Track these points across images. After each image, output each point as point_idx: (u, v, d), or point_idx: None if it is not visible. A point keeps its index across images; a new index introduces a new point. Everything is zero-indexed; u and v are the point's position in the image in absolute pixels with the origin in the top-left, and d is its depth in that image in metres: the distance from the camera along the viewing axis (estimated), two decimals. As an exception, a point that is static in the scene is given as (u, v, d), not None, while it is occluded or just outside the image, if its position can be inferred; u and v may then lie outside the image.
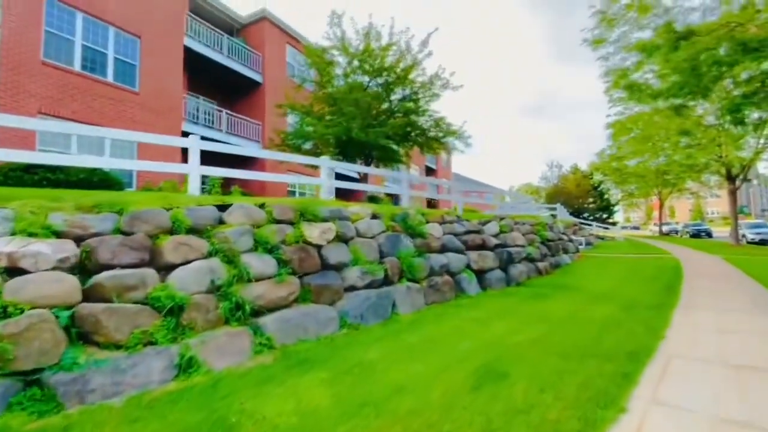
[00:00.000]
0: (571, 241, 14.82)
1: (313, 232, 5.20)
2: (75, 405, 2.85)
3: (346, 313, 4.96)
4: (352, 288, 5.28)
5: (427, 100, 11.66)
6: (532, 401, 2.87)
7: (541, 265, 10.07)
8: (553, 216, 24.17)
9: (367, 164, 11.26)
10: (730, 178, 20.05)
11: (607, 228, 35.39)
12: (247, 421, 2.67)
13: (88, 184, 7.15)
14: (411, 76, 10.57)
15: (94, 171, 7.51)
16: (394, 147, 11.34)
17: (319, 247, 5.23)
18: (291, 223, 5.16)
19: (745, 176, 20.27)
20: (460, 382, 3.25)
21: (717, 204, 63.67)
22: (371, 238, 6.11)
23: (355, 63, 10.35)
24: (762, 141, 18.09)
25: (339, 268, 5.32)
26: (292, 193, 17.13)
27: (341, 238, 5.61)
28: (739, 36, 6.99)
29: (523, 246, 9.87)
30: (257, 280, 4.33)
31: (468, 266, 7.64)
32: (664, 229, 38.00)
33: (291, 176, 6.93)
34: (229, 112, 14.55)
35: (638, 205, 54.26)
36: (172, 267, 3.90)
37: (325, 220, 5.57)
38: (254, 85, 15.37)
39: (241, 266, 4.28)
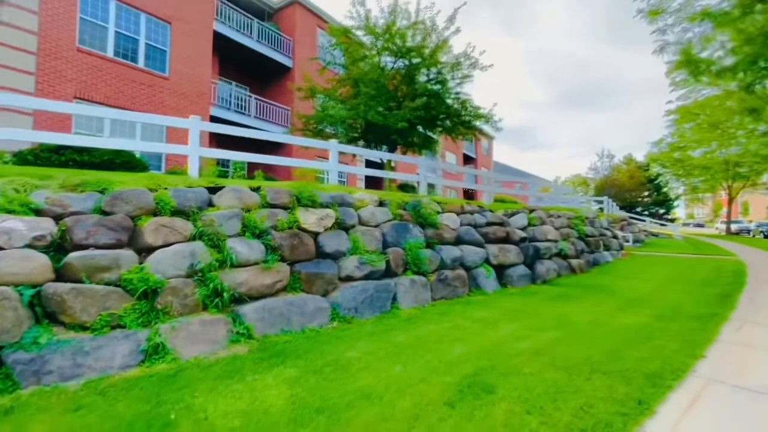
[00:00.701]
0: (615, 237, 13.54)
1: (309, 218, 4.93)
2: (31, 385, 2.79)
3: (338, 305, 4.67)
4: (348, 278, 4.98)
5: (458, 82, 10.94)
6: (513, 425, 2.41)
7: (575, 262, 9.19)
8: (601, 210, 22.39)
9: (391, 151, 10.82)
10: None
11: (663, 225, 32.36)
12: (186, 420, 2.45)
13: (110, 166, 7.38)
14: (438, 56, 9.91)
15: (119, 153, 7.75)
16: (420, 131, 10.79)
17: (315, 234, 4.97)
18: (286, 208, 4.92)
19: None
20: (438, 393, 2.85)
21: (801, 201, 56.06)
22: (375, 226, 5.74)
23: (380, 43, 9.86)
24: None
25: (336, 257, 5.02)
26: (322, 180, 17.12)
27: (341, 226, 5.30)
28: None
29: (554, 241, 9.05)
30: (242, 266, 4.14)
31: (487, 261, 7.07)
32: (733, 227, 34.04)
33: (302, 161, 6.71)
34: (257, 97, 14.67)
35: (703, 200, 49.24)
36: (152, 249, 3.80)
37: (325, 205, 5.28)
38: (284, 69, 15.35)
39: (226, 251, 4.11)
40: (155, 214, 4.02)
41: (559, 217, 10.57)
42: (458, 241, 6.87)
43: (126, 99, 9.97)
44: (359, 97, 9.36)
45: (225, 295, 3.86)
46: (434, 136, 11.83)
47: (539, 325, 4.68)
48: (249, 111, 14.19)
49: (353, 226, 5.47)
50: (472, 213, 7.60)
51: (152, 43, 10.79)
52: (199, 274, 3.87)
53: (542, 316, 5.12)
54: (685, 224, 60.65)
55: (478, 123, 10.93)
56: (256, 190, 4.88)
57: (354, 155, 13.21)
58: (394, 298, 5.25)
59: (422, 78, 10.16)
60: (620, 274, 9.22)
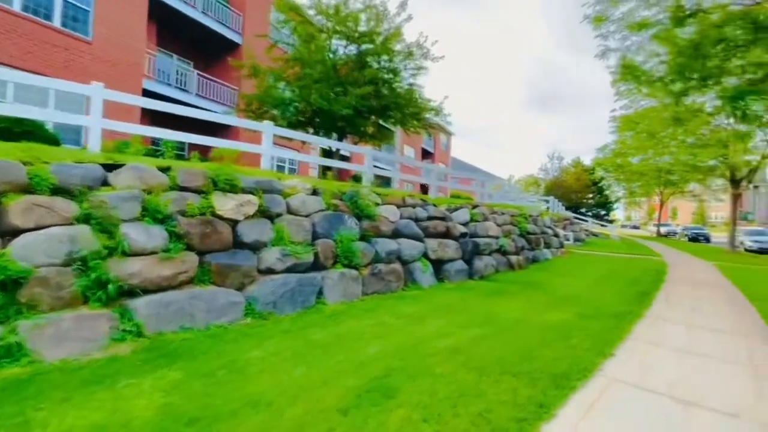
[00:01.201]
0: (557, 235, 14.10)
1: (226, 204, 4.49)
2: None
3: (255, 300, 4.30)
4: (269, 271, 4.62)
5: (413, 73, 10.74)
6: (405, 435, 2.21)
7: (514, 258, 9.38)
8: (547, 209, 23.38)
9: (340, 139, 10.44)
10: (734, 181, 19.11)
11: (603, 225, 34.59)
12: (14, 439, 2.03)
13: (6, 134, 6.42)
14: (391, 44, 9.62)
15: (20, 121, 6.76)
16: (372, 121, 10.49)
17: (233, 222, 4.54)
18: (200, 191, 4.44)
19: (750, 180, 19.32)
20: (336, 398, 2.60)
21: (720, 209, 62.24)
22: (305, 216, 5.39)
23: (330, 24, 9.39)
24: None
25: (256, 247, 4.63)
26: (281, 168, 16.37)
27: (265, 214, 4.90)
28: (754, 13, 6.05)
29: (495, 237, 9.16)
30: (136, 254, 3.65)
31: (425, 255, 6.96)
32: (663, 230, 37.14)
33: (234, 143, 6.19)
34: (201, 74, 13.64)
35: (640, 204, 53.30)
36: (19, 232, 3.22)
37: (249, 191, 4.85)
38: (233, 46, 14.35)
39: (118, 237, 3.60)
40: (29, 192, 3.42)
41: (503, 214, 10.75)
42: (396, 234, 6.69)
43: (37, 62, 8.76)
44: (303, 78, 8.86)
45: (110, 286, 3.37)
46: (391, 128, 11.58)
47: (466, 322, 4.60)
48: (190, 88, 13.14)
49: (280, 215, 5.08)
50: (414, 206, 7.45)
51: (71, 0, 9.54)
52: (80, 263, 3.35)
53: (471, 312, 5.06)
54: (623, 226, 65.32)
55: (428, 116, 10.81)
56: (166, 170, 4.36)
57: (304, 142, 12.62)
58: (320, 293, 4.96)
59: (374, 65, 9.83)
60: (557, 272, 9.53)
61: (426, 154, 33.56)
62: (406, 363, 3.25)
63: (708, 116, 18.36)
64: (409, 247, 6.59)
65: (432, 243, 7.07)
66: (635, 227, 61.20)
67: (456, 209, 8.66)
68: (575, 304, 5.90)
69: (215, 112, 11.12)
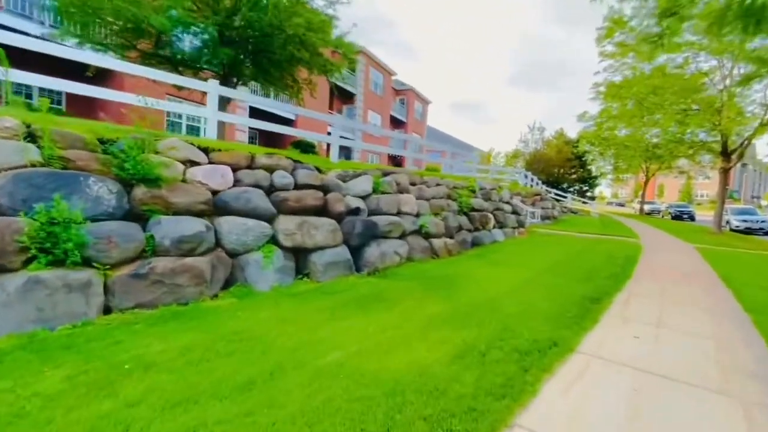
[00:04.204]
0: (516, 213, 11.90)
1: None
2: None
3: None
4: None
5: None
6: None
7: (440, 243, 7.14)
8: (517, 182, 21.16)
9: (225, 84, 7.82)
10: (725, 153, 16.98)
11: (585, 202, 32.67)
12: None
13: None
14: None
15: None
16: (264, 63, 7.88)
17: None
18: None
19: (742, 153, 17.21)
20: None
21: (707, 186, 61.19)
22: (-26, 175, 2.99)
23: None
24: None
25: None
26: (177, 125, 13.68)
27: None
28: None
29: (413, 215, 6.88)
30: None
31: (274, 241, 4.66)
32: (647, 208, 35.36)
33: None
34: None
35: (626, 180, 51.63)
36: None
37: None
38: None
39: None
40: None
41: (438, 185, 8.45)
42: (222, 210, 4.36)
43: None
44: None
45: None
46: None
47: (211, 388, 2.35)
48: (35, 14, 10.18)
49: None
50: (270, 169, 5.06)
51: None
52: None
53: (261, 353, 2.82)
54: (609, 203, 63.98)
55: (328, 53, 8.18)
56: None
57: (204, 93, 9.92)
58: (-32, 318, 2.64)
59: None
60: (496, 260, 7.35)
61: (398, 123, 30.81)
62: None
63: (703, 74, 16.05)
64: (238, 229, 4.27)
65: (288, 223, 4.74)
66: (621, 205, 59.74)
67: (356, 175, 6.30)
68: (475, 322, 3.70)
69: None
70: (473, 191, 9.62)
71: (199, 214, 4.11)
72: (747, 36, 4.70)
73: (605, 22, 16.21)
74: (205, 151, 4.63)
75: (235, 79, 8.09)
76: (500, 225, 10.36)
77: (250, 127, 15.51)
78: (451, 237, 7.71)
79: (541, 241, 10.51)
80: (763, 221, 20.57)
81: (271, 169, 5.07)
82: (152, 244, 3.60)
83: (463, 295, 4.74)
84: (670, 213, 31.06)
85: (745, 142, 16.80)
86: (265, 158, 5.09)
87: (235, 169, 4.74)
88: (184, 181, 4.24)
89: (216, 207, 4.37)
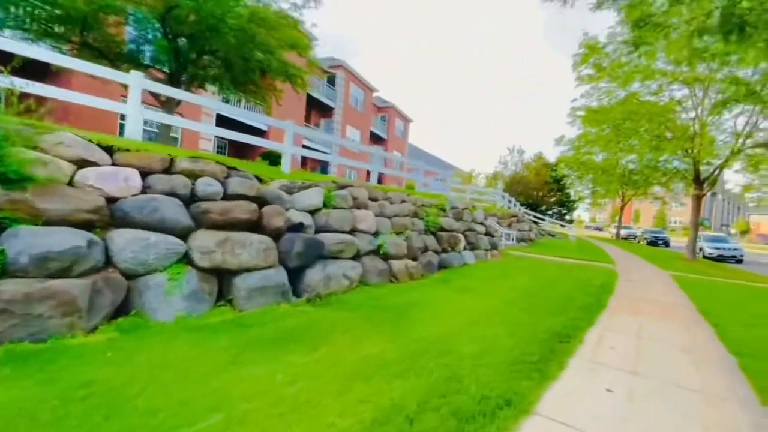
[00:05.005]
0: (490, 234, 11.37)
1: None
2: None
3: None
4: None
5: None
6: None
7: (400, 264, 6.46)
8: (495, 203, 20.89)
9: (173, 80, 7.09)
10: (698, 180, 17.11)
11: (563, 225, 32.72)
12: None
13: None
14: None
15: None
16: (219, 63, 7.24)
17: None
18: None
19: (714, 180, 17.40)
20: None
21: (681, 213, 62.99)
22: None
23: None
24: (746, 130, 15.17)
25: None
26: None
27: None
28: None
29: (370, 233, 6.21)
30: None
31: (188, 259, 3.88)
32: (623, 233, 35.73)
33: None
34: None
35: (603, 205, 52.53)
36: None
37: None
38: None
39: None
40: None
41: (403, 201, 7.83)
42: (119, 221, 3.58)
43: None
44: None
45: None
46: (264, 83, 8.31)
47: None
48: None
49: None
50: (194, 175, 4.33)
51: None
52: None
53: (116, 406, 2.03)
54: (587, 227, 65.03)
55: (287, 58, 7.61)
56: None
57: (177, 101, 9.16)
58: None
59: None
60: (462, 285, 6.69)
61: (377, 140, 30.48)
62: None
63: (676, 103, 16.27)
64: (135, 245, 3.48)
65: (206, 239, 3.98)
66: (599, 229, 60.69)
67: (304, 187, 5.60)
68: (417, 368, 3.00)
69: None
70: (443, 209, 9.05)
71: (85, 225, 3.32)
72: (729, 45, 4.37)
73: (580, 48, 16.40)
74: (109, 150, 3.88)
75: (183, 78, 7.38)
76: (472, 247, 9.77)
77: (218, 137, 14.76)
78: (415, 259, 7.04)
79: (515, 266, 9.95)
80: (735, 249, 20.75)
81: (194, 176, 4.33)
82: (1, 261, 2.79)
83: (414, 329, 4.04)
84: (645, 238, 31.36)
85: (717, 171, 17.01)
86: (188, 162, 4.35)
87: (146, 174, 3.98)
88: (71, 184, 3.46)
89: (113, 217, 3.60)
